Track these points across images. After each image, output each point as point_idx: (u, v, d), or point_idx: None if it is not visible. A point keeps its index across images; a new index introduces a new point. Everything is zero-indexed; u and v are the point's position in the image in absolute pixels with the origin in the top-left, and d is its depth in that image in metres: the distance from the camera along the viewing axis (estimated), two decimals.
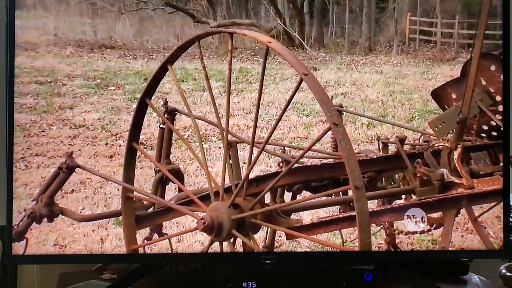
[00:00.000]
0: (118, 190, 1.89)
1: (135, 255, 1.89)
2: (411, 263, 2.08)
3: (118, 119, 1.93)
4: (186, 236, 1.95)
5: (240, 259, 1.93)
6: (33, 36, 1.88)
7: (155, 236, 1.92)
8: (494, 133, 2.01)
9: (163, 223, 1.90)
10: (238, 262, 1.93)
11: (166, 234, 1.93)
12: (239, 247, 1.91)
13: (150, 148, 1.98)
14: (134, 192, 1.83)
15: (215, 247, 1.79)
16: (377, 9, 2.05)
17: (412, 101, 2.04)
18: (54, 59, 1.91)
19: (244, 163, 1.90)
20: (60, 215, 1.85)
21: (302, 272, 1.94)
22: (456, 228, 2.01)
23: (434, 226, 1.94)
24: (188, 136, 1.98)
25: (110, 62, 1.93)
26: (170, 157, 1.95)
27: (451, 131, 1.95)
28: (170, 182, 1.92)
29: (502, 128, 2.02)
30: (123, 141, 1.92)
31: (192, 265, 2.11)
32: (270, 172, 1.91)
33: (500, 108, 1.94)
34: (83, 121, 1.93)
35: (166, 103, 1.91)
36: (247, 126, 1.97)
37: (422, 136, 2.00)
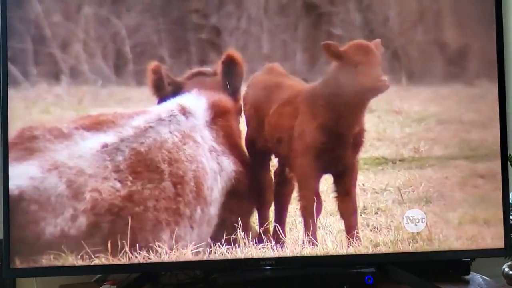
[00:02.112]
0: None
1: (135, 265, 1.89)
2: (412, 264, 2.07)
3: None
4: None
5: (239, 265, 1.93)
6: None
7: None
8: None
9: None
10: (238, 268, 1.93)
11: None
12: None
13: None
14: None
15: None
16: None
17: None
18: None
19: None
20: None
21: (303, 277, 1.94)
22: None
23: None
24: None
25: None
26: None
27: None
28: None
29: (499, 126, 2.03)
30: None
31: (191, 273, 2.11)
32: None
33: None
34: None
35: None
36: None
37: None
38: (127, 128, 1.90)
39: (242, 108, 2.02)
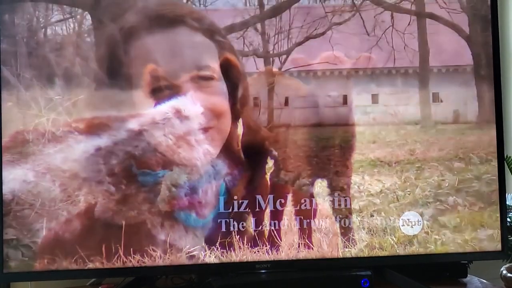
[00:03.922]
0: None
1: (129, 269, 1.90)
2: (409, 267, 2.06)
3: None
4: None
5: (234, 269, 1.92)
6: None
7: None
8: None
9: None
10: (233, 271, 1.93)
11: None
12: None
13: None
14: None
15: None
16: None
17: None
18: None
19: None
20: None
21: (299, 281, 1.94)
22: None
23: None
24: None
25: None
26: None
27: None
28: None
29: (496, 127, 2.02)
30: None
31: (187, 277, 2.10)
32: None
33: None
34: None
35: None
36: None
37: None
38: (121, 132, 1.89)
39: (239, 110, 2.01)
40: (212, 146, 1.77)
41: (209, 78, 1.73)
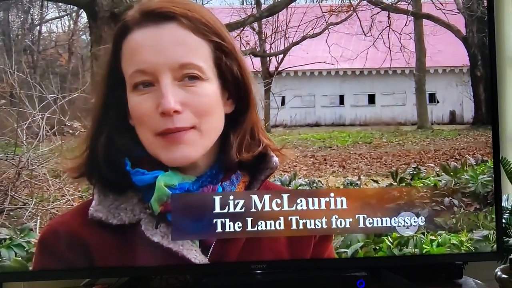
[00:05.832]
0: None
1: (124, 268, 1.87)
2: (404, 268, 2.06)
3: None
4: None
5: (230, 269, 1.91)
6: None
7: None
8: None
9: None
10: (229, 272, 1.92)
11: None
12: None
13: None
14: None
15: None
16: None
17: None
18: None
19: None
20: None
21: (295, 281, 1.93)
22: None
23: None
24: None
25: None
26: None
27: None
28: None
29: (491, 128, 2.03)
30: None
31: (182, 278, 2.09)
32: None
33: None
34: None
35: None
36: None
37: None
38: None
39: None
40: (191, 146, 1.72)
41: (194, 77, 1.68)
